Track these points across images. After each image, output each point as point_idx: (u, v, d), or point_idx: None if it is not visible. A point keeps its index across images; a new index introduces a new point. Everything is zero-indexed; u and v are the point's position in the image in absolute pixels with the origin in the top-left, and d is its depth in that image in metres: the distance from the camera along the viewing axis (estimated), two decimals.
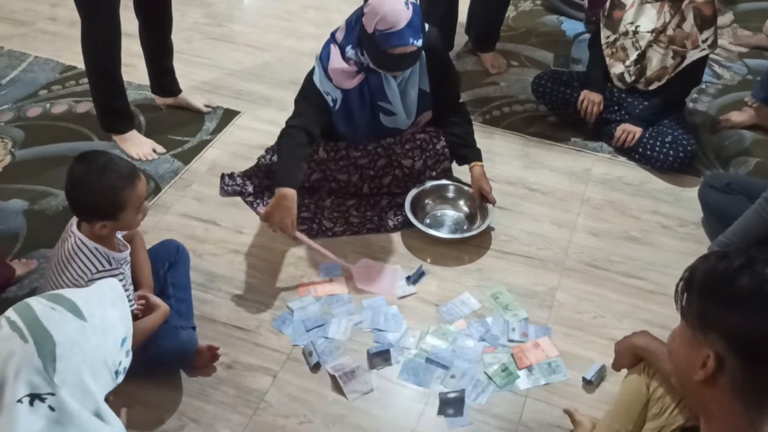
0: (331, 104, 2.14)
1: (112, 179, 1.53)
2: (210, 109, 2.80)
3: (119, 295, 1.21)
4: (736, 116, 2.79)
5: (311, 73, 2.15)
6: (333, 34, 2.13)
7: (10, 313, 1.11)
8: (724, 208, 2.18)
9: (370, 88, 2.14)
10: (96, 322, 1.12)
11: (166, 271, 1.89)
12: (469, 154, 2.26)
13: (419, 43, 1.97)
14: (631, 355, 1.48)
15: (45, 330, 1.07)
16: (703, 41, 2.44)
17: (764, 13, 3.39)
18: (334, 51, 2.10)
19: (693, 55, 2.46)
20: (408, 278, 2.09)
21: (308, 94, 2.15)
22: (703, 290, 0.99)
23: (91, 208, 1.55)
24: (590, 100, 2.60)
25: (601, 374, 1.83)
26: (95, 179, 1.52)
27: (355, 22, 2.05)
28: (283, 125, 2.38)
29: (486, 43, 3.13)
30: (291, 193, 1.97)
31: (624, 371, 1.53)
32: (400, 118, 2.20)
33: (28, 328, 1.07)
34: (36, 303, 1.11)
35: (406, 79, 2.16)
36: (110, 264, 1.60)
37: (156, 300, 1.69)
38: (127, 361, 1.19)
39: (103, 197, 1.53)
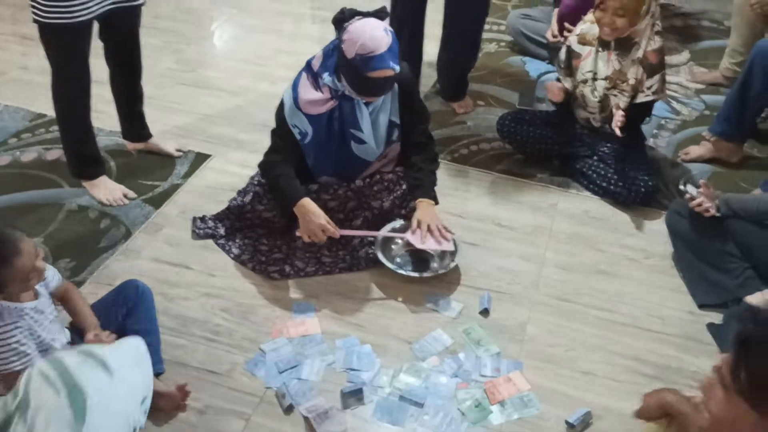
0: (299, 137, 2.19)
1: None
2: (181, 153, 2.81)
3: (143, 354, 1.22)
4: (695, 150, 2.88)
5: (282, 105, 2.21)
6: (309, 63, 2.19)
7: (42, 365, 1.11)
8: (690, 234, 2.23)
9: (342, 116, 2.19)
10: (124, 377, 1.15)
11: (125, 316, 1.87)
12: (418, 192, 2.27)
13: (398, 68, 2.04)
14: (661, 411, 1.46)
15: (77, 383, 1.11)
16: (648, 88, 2.52)
17: (719, 51, 3.53)
18: (306, 80, 2.17)
19: (639, 98, 2.54)
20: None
21: (279, 129, 2.24)
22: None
23: None
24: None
25: (585, 420, 1.83)
26: None
27: (333, 50, 2.12)
28: (256, 167, 2.42)
29: (454, 96, 3.19)
30: (305, 201, 2.15)
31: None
32: (369, 147, 2.25)
33: (61, 380, 1.11)
34: (67, 356, 1.13)
35: (378, 109, 2.22)
36: (2, 319, 1.58)
37: (104, 336, 1.68)
38: (143, 421, 1.22)
39: None
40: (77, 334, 1.77)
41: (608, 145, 2.66)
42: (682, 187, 2.23)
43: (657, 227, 2.49)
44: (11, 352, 1.57)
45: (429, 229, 2.20)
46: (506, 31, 3.76)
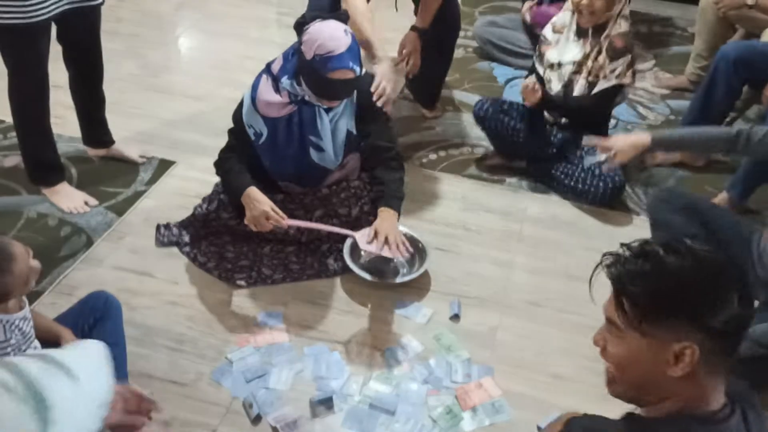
0: (253, 138, 2.18)
1: None
2: (144, 160, 2.75)
3: (105, 357, 1.19)
4: (662, 154, 2.91)
5: (241, 105, 2.20)
6: (268, 65, 2.17)
7: (1, 373, 1.05)
8: (674, 227, 2.09)
9: (301, 121, 2.16)
10: (87, 382, 1.09)
11: (92, 327, 1.80)
12: (379, 203, 2.20)
13: (358, 69, 2.01)
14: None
15: (40, 392, 1.03)
16: (611, 71, 2.52)
17: (683, 57, 3.58)
18: (266, 82, 2.14)
19: (602, 85, 2.53)
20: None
21: (235, 128, 2.24)
22: (653, 296, 1.01)
23: None
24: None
25: None
26: None
27: (293, 54, 2.09)
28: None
29: (431, 102, 3.17)
30: (250, 189, 2.09)
31: None
32: (328, 155, 2.22)
33: (24, 390, 1.02)
34: (28, 363, 1.06)
35: (338, 116, 2.19)
36: (4, 335, 1.52)
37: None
38: (99, 426, 1.16)
39: None
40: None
41: (575, 144, 2.66)
42: (587, 165, 2.29)
43: (623, 231, 2.50)
44: None
45: (386, 241, 2.10)
46: (473, 38, 3.76)
